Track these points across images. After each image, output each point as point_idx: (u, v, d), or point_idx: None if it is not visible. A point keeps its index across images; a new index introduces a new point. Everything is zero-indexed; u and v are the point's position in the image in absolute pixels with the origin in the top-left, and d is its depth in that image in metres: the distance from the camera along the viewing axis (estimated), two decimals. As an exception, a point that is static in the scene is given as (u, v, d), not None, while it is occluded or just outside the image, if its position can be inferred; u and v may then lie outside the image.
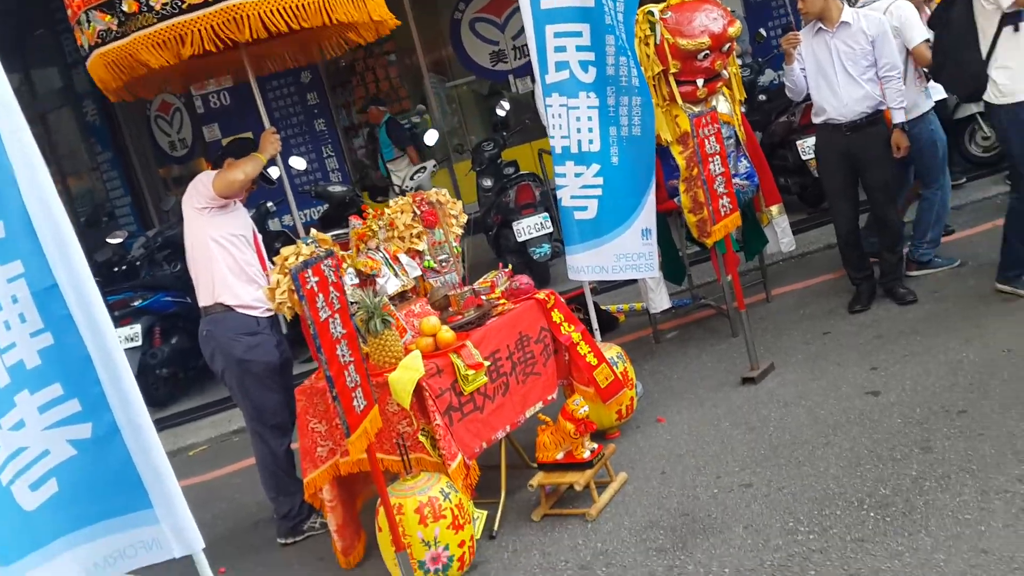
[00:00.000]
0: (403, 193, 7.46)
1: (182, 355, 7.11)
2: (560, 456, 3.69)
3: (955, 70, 4.62)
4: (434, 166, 8.14)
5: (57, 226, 2.22)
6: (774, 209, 5.48)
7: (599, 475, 3.72)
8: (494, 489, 3.83)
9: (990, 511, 2.88)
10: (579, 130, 4.48)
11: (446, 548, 3.24)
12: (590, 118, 4.47)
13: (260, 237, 4.22)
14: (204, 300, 4.02)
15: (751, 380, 4.46)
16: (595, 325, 4.72)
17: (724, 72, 5.05)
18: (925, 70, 5.14)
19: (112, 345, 2.29)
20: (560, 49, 4.42)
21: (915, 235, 5.39)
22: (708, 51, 4.85)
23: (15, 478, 2.23)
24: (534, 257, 6.91)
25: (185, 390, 7.29)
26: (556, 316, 4.09)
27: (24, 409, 2.25)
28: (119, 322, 6.69)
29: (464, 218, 4.46)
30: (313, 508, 4.05)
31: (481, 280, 4.26)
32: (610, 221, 4.53)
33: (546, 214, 6.92)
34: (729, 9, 5.11)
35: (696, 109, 4.81)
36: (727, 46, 4.96)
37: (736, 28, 4.95)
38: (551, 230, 6.89)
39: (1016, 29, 4.31)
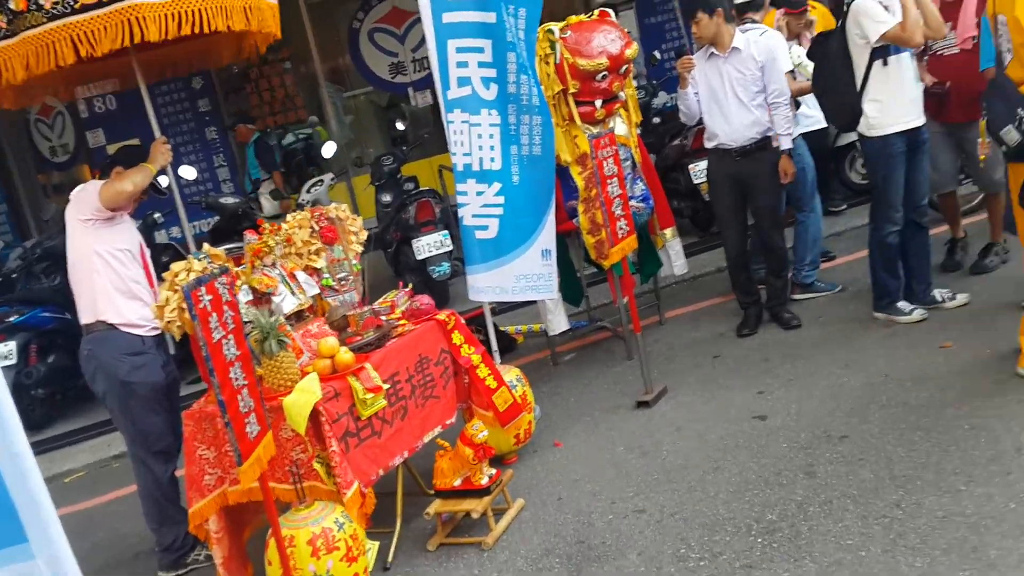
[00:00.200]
0: (273, 218, 7.23)
1: (60, 374, 6.74)
2: (458, 482, 3.65)
3: (833, 101, 4.84)
4: (332, 179, 7.99)
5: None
6: (668, 232, 5.59)
7: (496, 501, 3.70)
8: (390, 517, 3.76)
9: (870, 536, 3.01)
10: (481, 148, 4.46)
11: (340, 580, 3.15)
12: (492, 136, 4.46)
13: (148, 252, 4.05)
14: (86, 317, 3.83)
15: (645, 404, 4.54)
16: (495, 347, 4.71)
17: (621, 94, 5.13)
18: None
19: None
20: (462, 64, 4.40)
21: (795, 259, 5.61)
22: (606, 72, 4.92)
23: None
24: (433, 276, 6.81)
25: (62, 412, 6.91)
26: (456, 338, 4.07)
27: None
28: (-7, 339, 6.36)
29: (364, 235, 4.36)
30: (198, 539, 3.87)
31: (381, 300, 4.18)
32: (511, 241, 4.52)
33: (446, 232, 6.84)
34: (626, 31, 5.22)
35: (595, 130, 4.86)
36: (624, 67, 5.04)
37: (633, 50, 5.03)
38: (451, 248, 6.82)
39: (885, 63, 4.55)
